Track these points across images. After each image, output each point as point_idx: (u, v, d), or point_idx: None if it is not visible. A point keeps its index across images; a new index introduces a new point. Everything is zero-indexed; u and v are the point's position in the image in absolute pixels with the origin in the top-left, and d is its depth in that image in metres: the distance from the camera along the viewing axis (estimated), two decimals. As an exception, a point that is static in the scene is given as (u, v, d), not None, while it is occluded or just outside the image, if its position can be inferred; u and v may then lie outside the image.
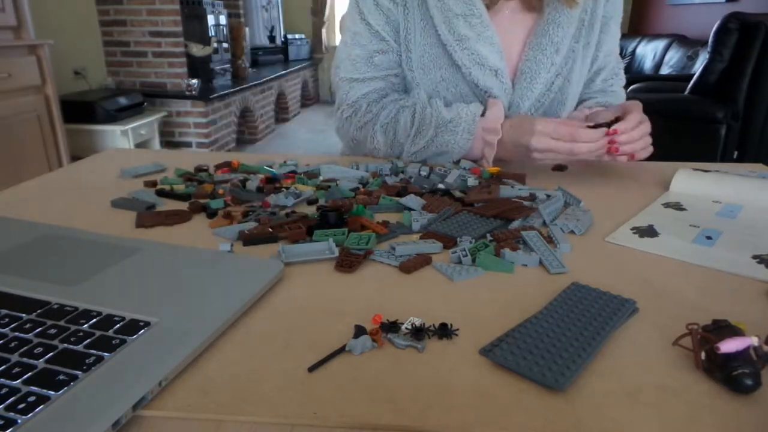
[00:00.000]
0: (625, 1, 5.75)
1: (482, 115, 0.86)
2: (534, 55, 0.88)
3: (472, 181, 0.77)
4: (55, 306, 0.42)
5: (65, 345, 0.37)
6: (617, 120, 0.78)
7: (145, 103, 3.63)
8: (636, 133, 0.77)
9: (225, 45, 4.62)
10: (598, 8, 0.92)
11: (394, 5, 0.90)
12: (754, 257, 0.55)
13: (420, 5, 0.88)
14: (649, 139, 0.80)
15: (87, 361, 0.36)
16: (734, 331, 0.38)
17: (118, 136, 3.22)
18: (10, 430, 0.30)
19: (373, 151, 0.93)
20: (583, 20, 0.90)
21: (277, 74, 5.28)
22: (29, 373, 0.34)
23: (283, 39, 6.58)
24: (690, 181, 0.75)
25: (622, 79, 1.03)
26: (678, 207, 0.70)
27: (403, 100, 0.91)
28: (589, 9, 0.91)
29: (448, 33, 0.87)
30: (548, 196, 0.71)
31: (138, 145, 3.41)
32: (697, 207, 0.69)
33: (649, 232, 0.62)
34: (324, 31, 6.96)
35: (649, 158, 0.84)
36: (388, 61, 0.92)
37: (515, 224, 0.62)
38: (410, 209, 0.67)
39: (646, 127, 0.79)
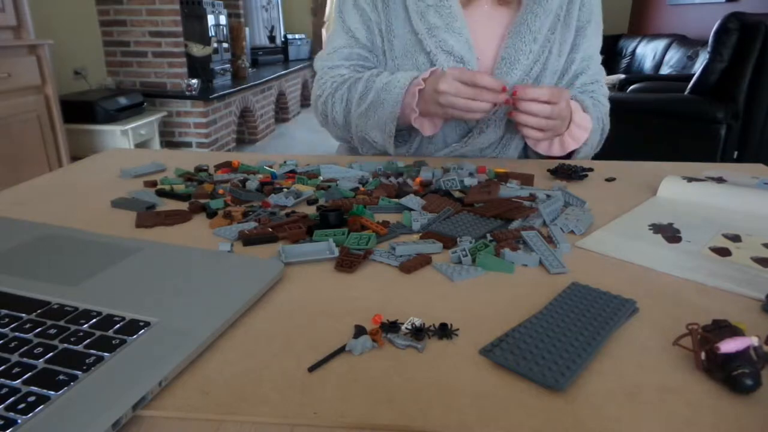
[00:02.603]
0: (625, 0, 5.71)
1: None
2: (513, 43, 0.93)
3: (469, 181, 0.76)
4: (55, 306, 0.42)
5: (65, 345, 0.37)
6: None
7: (145, 103, 3.63)
8: (534, 106, 0.80)
9: (225, 45, 4.61)
10: (573, 9, 0.96)
11: (371, 5, 0.98)
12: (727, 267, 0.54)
13: (400, 0, 0.96)
14: (543, 123, 0.82)
15: (87, 361, 0.36)
16: (734, 331, 0.38)
17: (118, 136, 3.22)
18: (10, 430, 0.30)
19: (333, 123, 1.02)
20: (559, 15, 0.94)
21: (277, 74, 5.28)
22: (29, 373, 0.34)
23: (283, 39, 6.58)
24: (676, 189, 0.75)
25: (604, 88, 1.04)
26: (658, 214, 0.69)
27: (360, 74, 0.98)
28: (565, 6, 0.95)
29: (420, 22, 0.94)
30: (548, 196, 0.71)
31: (138, 145, 3.41)
32: (679, 214, 0.69)
33: (622, 238, 0.60)
34: (324, 30, 6.96)
35: (651, 158, 0.84)
36: (357, 56, 1.01)
37: (515, 224, 0.62)
38: (410, 209, 0.67)
39: (551, 110, 0.81)
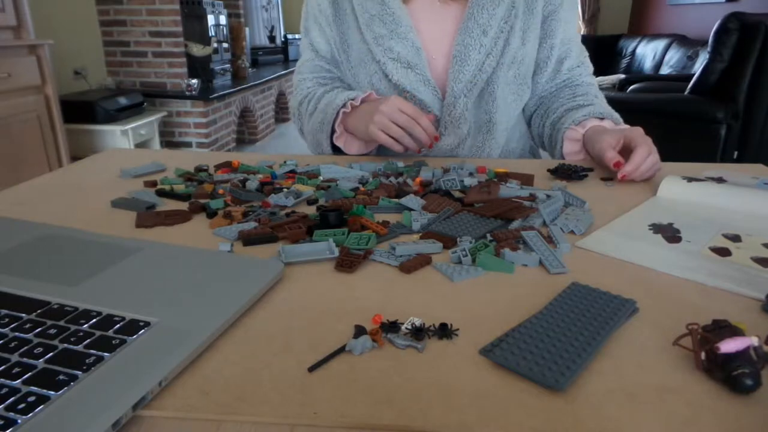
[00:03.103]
0: (625, 1, 5.71)
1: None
2: (462, 39, 0.93)
3: (469, 181, 0.76)
4: (55, 306, 0.42)
5: (65, 345, 0.37)
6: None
7: (145, 103, 3.63)
8: (644, 167, 0.80)
9: (225, 45, 4.61)
10: None
11: (326, 19, 1.01)
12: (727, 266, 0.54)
13: (351, 11, 0.99)
14: (657, 166, 0.82)
15: (87, 361, 0.36)
16: (734, 331, 0.38)
17: (118, 136, 3.22)
18: (10, 430, 0.30)
19: (302, 135, 1.08)
20: (514, 2, 0.93)
21: (277, 74, 5.28)
22: (29, 373, 0.34)
23: (283, 39, 6.58)
24: (676, 189, 0.74)
25: (589, 68, 1.05)
26: (658, 214, 0.69)
27: (320, 88, 1.02)
28: None
29: (368, 32, 0.96)
30: (548, 196, 0.71)
31: (138, 145, 3.41)
32: (679, 214, 0.69)
33: (622, 237, 0.60)
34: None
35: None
36: (319, 68, 1.06)
37: (515, 224, 0.62)
38: (410, 209, 0.67)
39: (654, 158, 0.80)
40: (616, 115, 0.96)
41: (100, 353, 0.36)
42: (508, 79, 0.97)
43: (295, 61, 6.35)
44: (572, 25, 1.01)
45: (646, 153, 0.79)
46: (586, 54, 1.05)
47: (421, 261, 0.53)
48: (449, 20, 0.96)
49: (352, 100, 0.91)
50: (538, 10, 0.96)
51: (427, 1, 0.97)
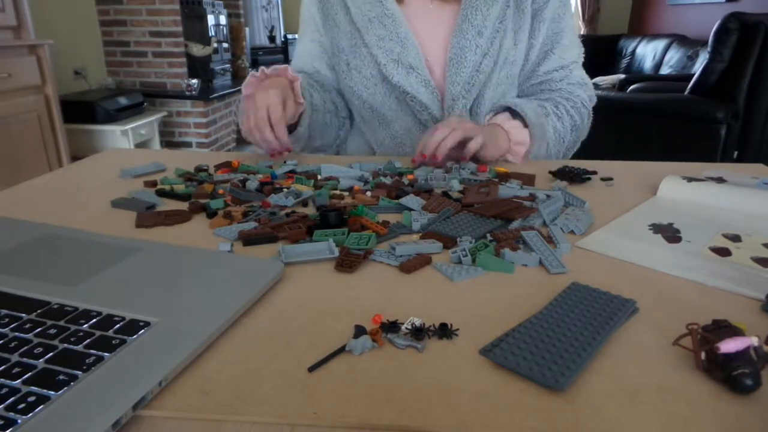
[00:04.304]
0: (625, 0, 5.70)
1: None
2: (458, 42, 0.93)
3: (466, 174, 0.76)
4: (55, 306, 0.42)
5: (65, 345, 0.37)
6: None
7: (145, 103, 3.63)
8: (431, 143, 0.82)
9: (225, 45, 4.61)
10: None
11: (315, 26, 1.02)
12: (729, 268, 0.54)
13: (345, 14, 0.98)
14: (456, 135, 0.82)
15: (87, 361, 0.36)
16: (734, 331, 0.38)
17: (118, 136, 3.22)
18: (10, 430, 0.30)
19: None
20: (507, 1, 0.93)
21: (277, 74, 5.27)
22: (29, 373, 0.34)
23: (283, 39, 6.58)
24: (676, 189, 0.74)
25: (573, 73, 0.98)
26: (658, 214, 0.69)
27: None
28: None
29: (368, 34, 0.95)
30: (548, 196, 0.71)
31: (138, 145, 3.41)
32: (679, 214, 0.69)
33: (622, 237, 0.60)
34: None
35: (651, 158, 0.84)
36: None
37: (515, 224, 0.62)
38: (410, 209, 0.67)
39: (442, 133, 0.82)
40: (532, 118, 0.89)
41: (100, 353, 0.36)
42: (500, 79, 0.96)
43: (295, 61, 6.27)
44: (560, 25, 0.96)
45: (436, 132, 0.82)
46: (576, 60, 0.98)
47: (421, 261, 0.53)
48: (443, 22, 0.96)
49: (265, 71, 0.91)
50: (527, 9, 0.94)
51: (420, 2, 0.96)
